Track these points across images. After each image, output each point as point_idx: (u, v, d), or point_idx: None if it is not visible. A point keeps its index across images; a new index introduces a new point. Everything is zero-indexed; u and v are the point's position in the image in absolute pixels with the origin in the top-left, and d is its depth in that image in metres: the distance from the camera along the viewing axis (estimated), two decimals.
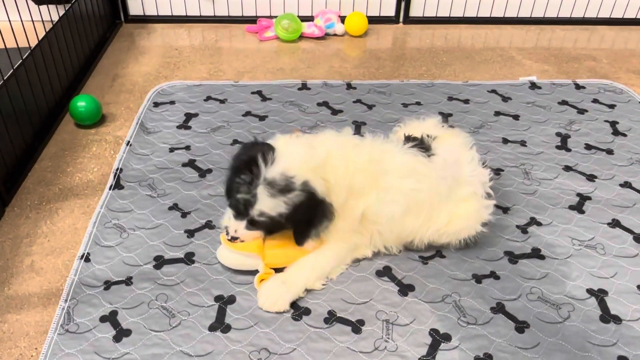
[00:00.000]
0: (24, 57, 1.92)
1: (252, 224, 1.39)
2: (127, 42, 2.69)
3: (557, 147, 1.97)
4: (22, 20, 1.91)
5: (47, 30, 2.11)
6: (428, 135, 1.59)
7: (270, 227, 1.41)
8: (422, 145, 1.53)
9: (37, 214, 1.69)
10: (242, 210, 1.38)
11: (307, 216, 1.37)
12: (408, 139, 1.57)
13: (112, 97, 2.26)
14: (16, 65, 1.87)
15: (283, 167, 1.33)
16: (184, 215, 1.65)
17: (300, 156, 1.37)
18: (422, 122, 1.73)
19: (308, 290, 1.42)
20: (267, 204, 1.34)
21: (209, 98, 2.22)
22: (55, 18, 2.20)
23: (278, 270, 1.44)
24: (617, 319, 1.37)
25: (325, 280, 1.45)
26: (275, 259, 1.44)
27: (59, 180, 1.82)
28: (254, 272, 1.43)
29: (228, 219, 1.45)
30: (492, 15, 2.92)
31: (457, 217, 1.49)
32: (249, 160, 1.35)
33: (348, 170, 1.40)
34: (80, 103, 2.03)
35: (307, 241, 1.42)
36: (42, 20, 2.11)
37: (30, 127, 1.94)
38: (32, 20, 2.05)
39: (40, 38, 2.05)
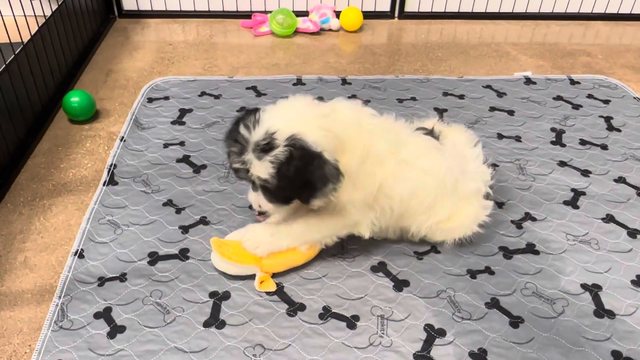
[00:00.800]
0: (16, 52, 1.90)
1: (265, 194, 1.33)
2: (121, 38, 2.68)
3: (552, 143, 1.97)
4: (14, 15, 1.90)
5: (39, 25, 2.10)
6: (433, 130, 1.58)
7: (277, 193, 1.31)
8: (432, 135, 1.53)
9: (31, 210, 1.68)
10: (246, 178, 1.32)
11: (300, 173, 1.25)
12: (418, 129, 1.56)
13: (105, 93, 2.24)
14: (8, 61, 1.85)
15: (266, 126, 1.26)
16: (179, 211, 1.65)
17: (290, 111, 1.30)
18: (422, 122, 1.72)
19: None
20: (258, 168, 1.26)
21: (203, 93, 2.21)
22: (48, 13, 2.18)
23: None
24: (611, 314, 1.38)
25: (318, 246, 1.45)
26: (272, 268, 1.43)
27: (53, 176, 1.81)
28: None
29: (250, 193, 1.39)
30: (487, 11, 2.92)
31: (456, 215, 1.49)
32: (232, 131, 1.31)
33: (362, 130, 1.33)
34: (74, 99, 2.02)
35: (313, 201, 1.31)
36: (35, 15, 2.10)
37: (23, 123, 1.93)
38: (25, 15, 2.03)
39: (32, 33, 2.03)
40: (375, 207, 1.41)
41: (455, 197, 1.47)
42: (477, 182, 1.52)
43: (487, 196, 1.55)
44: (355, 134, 1.32)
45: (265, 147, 1.24)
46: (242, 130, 1.28)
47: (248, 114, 1.30)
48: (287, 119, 1.27)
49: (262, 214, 1.39)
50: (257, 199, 1.36)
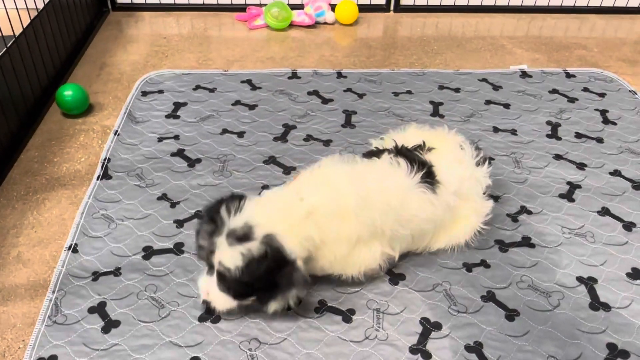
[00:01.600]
0: (8, 46, 1.88)
1: (220, 281, 1.26)
2: (115, 31, 2.66)
3: (548, 136, 1.97)
4: (6, 8, 1.88)
5: (32, 18, 2.08)
6: (423, 147, 1.51)
7: (234, 286, 1.25)
8: (427, 171, 1.41)
9: (24, 204, 1.66)
10: (206, 259, 1.28)
11: (269, 275, 1.21)
12: (403, 152, 1.47)
13: (99, 86, 2.23)
14: (0, 54, 1.83)
15: (247, 215, 1.23)
16: (173, 205, 1.64)
17: (275, 208, 1.26)
18: (403, 132, 1.64)
19: None
20: (226, 254, 1.21)
21: (198, 87, 2.19)
22: (41, 6, 2.16)
23: None
24: (606, 307, 1.38)
25: None
26: None
27: (46, 171, 1.80)
28: None
29: (202, 278, 1.33)
30: (483, 4, 2.91)
31: (452, 232, 1.49)
32: (212, 210, 1.27)
33: (348, 222, 1.28)
34: (67, 92, 2.00)
35: (270, 304, 1.25)
36: (27, 8, 2.08)
37: (16, 117, 1.91)
38: (17, 8, 2.02)
39: (25, 26, 2.01)
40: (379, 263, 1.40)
41: (451, 221, 1.47)
42: (471, 201, 1.49)
43: (486, 193, 1.54)
44: (338, 226, 1.28)
45: (241, 236, 1.21)
46: (222, 211, 1.24)
47: (232, 199, 1.27)
48: (269, 215, 1.24)
49: (207, 303, 1.30)
50: (208, 286, 1.28)
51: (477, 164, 1.53)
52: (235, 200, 1.26)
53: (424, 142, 1.52)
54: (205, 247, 1.26)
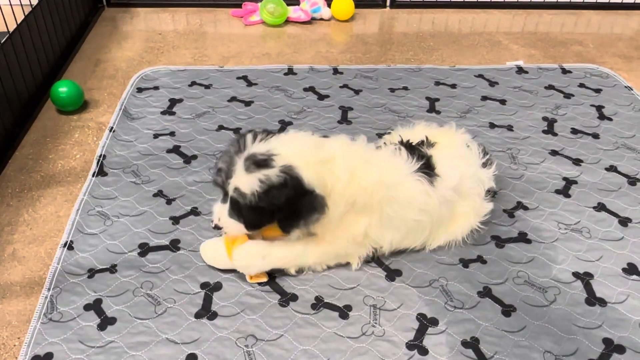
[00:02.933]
0: (2, 42, 1.87)
1: (233, 208, 1.30)
2: (110, 27, 2.64)
3: (544, 132, 1.97)
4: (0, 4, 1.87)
5: (26, 14, 2.06)
6: (426, 142, 1.53)
7: (248, 214, 1.28)
8: (425, 162, 1.44)
9: (19, 202, 1.66)
10: (220, 184, 1.31)
11: (290, 203, 1.25)
12: (406, 145, 1.50)
13: (94, 83, 2.22)
14: None
15: (271, 145, 1.27)
16: (169, 201, 1.63)
17: (298, 145, 1.30)
18: (411, 129, 1.68)
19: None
20: (242, 179, 1.24)
21: (193, 83, 2.19)
22: (35, 1, 2.15)
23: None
24: (602, 302, 1.38)
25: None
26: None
27: (41, 168, 1.79)
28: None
29: (217, 204, 1.37)
30: (479, 0, 2.90)
31: (450, 229, 1.49)
32: (238, 138, 1.32)
33: (352, 184, 1.32)
34: (62, 89, 1.99)
35: (293, 230, 1.32)
36: (21, 4, 2.07)
37: (10, 114, 1.90)
38: (11, 5, 2.00)
39: (19, 22, 2.00)
40: (366, 245, 1.42)
41: (450, 219, 1.47)
42: (471, 199, 1.49)
43: (489, 193, 1.54)
44: (342, 187, 1.31)
45: (260, 162, 1.24)
46: (248, 138, 1.29)
47: (262, 132, 1.32)
48: (291, 150, 1.28)
49: (218, 228, 1.36)
50: (221, 212, 1.34)
51: (484, 165, 1.54)
52: (264, 132, 1.32)
53: (427, 138, 1.54)
54: (223, 170, 1.29)
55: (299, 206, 1.27)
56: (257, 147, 1.27)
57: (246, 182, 1.24)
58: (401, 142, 1.52)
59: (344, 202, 1.32)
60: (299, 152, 1.29)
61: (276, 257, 1.39)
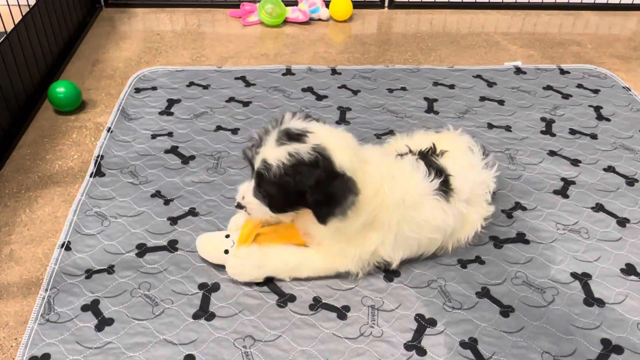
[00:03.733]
0: None
1: (258, 184, 1.24)
2: (108, 27, 2.64)
3: (542, 132, 1.97)
4: None
5: (23, 14, 2.06)
6: (436, 152, 1.48)
7: (274, 191, 1.21)
8: (443, 179, 1.39)
9: (16, 202, 1.65)
10: (250, 157, 1.25)
11: (320, 188, 1.18)
12: (423, 157, 1.44)
13: (92, 83, 2.21)
14: None
15: (309, 125, 1.22)
16: (167, 202, 1.63)
17: (337, 133, 1.25)
18: (410, 137, 1.63)
19: None
20: (271, 150, 1.18)
21: (191, 84, 2.18)
22: (32, 2, 2.14)
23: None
24: (600, 302, 1.38)
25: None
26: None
27: (38, 168, 1.78)
28: None
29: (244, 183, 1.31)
30: (477, 0, 2.91)
31: (458, 236, 1.48)
32: (284, 115, 1.27)
33: (377, 198, 1.27)
34: (60, 89, 1.98)
35: (330, 219, 1.23)
36: (19, 5, 2.06)
37: (8, 114, 1.90)
38: (8, 5, 2.00)
39: (16, 22, 2.00)
40: (370, 263, 1.38)
41: (462, 224, 1.46)
42: (479, 205, 1.47)
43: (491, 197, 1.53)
44: (368, 198, 1.26)
45: (293, 136, 1.19)
46: (287, 115, 1.25)
47: (303, 113, 1.28)
48: (329, 133, 1.23)
49: (241, 207, 1.28)
50: (246, 190, 1.28)
51: (486, 166, 1.53)
52: (306, 115, 1.27)
53: (434, 145, 1.49)
54: (255, 142, 1.23)
55: (332, 189, 1.19)
56: (294, 123, 1.23)
57: (274, 153, 1.18)
58: (419, 153, 1.47)
59: (366, 214, 1.27)
60: (336, 137, 1.23)
61: (271, 268, 1.37)
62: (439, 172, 1.40)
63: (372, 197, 1.27)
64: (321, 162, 1.18)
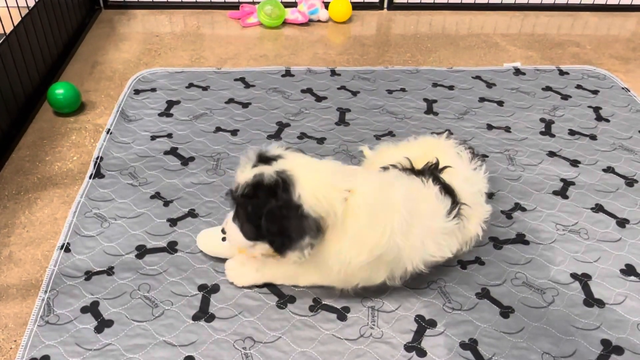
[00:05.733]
0: None
1: (235, 209, 1.24)
2: (107, 29, 2.64)
3: (541, 133, 1.97)
4: None
5: (23, 16, 2.06)
6: (438, 167, 1.41)
7: (241, 213, 1.21)
8: (454, 198, 1.34)
9: (15, 204, 1.65)
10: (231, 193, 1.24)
11: (275, 218, 1.14)
12: (433, 176, 1.35)
13: (91, 85, 2.21)
14: None
15: (287, 152, 1.21)
16: (166, 203, 1.63)
17: (312, 162, 1.21)
18: (396, 146, 1.57)
19: None
20: (243, 172, 1.19)
21: (191, 85, 2.18)
22: (32, 3, 2.14)
23: None
24: (600, 303, 1.38)
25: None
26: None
27: (38, 170, 1.78)
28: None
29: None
30: (476, 2, 2.91)
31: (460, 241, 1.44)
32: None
33: (384, 236, 1.20)
34: (59, 90, 1.98)
35: (286, 252, 1.20)
36: (18, 6, 2.06)
37: (7, 116, 1.90)
38: (7, 7, 2.00)
39: (15, 24, 2.00)
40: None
41: (462, 235, 1.40)
42: (475, 217, 1.41)
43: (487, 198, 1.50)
44: (364, 230, 1.20)
45: (264, 159, 1.19)
46: (277, 144, 1.24)
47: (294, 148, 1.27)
48: (301, 161, 1.20)
49: (224, 233, 1.29)
50: (230, 216, 1.28)
51: (475, 168, 1.47)
52: (296, 149, 1.25)
53: (437, 161, 1.42)
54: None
55: (285, 223, 1.15)
56: (275, 150, 1.22)
57: (245, 174, 1.19)
58: (428, 169, 1.39)
59: (368, 251, 1.21)
60: (310, 167, 1.19)
61: (270, 273, 1.37)
62: (454, 201, 1.33)
63: (380, 237, 1.20)
64: (280, 188, 1.14)
